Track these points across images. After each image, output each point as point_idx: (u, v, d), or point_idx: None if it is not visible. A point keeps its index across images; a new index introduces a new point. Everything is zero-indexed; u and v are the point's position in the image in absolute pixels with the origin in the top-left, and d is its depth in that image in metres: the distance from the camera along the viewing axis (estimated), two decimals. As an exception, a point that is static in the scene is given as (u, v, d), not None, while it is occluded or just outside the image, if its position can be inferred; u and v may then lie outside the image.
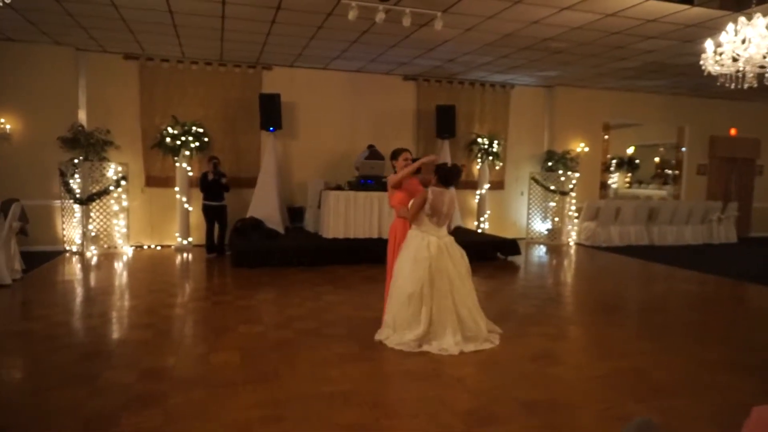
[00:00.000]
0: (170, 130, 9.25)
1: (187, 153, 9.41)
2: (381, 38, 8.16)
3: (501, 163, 11.57)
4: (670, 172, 16.45)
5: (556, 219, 11.73)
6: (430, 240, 4.69)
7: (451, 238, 4.90)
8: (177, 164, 9.48)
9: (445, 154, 10.71)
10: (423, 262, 4.62)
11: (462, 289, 4.72)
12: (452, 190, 4.89)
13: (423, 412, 3.46)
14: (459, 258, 4.81)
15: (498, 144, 11.19)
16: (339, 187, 9.28)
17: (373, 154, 9.73)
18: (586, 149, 11.97)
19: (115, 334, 5.09)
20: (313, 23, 7.46)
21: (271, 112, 9.47)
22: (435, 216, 4.71)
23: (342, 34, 7.94)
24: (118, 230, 9.35)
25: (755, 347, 5.13)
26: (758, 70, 4.93)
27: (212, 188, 8.94)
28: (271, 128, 9.52)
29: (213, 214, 9.03)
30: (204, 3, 6.67)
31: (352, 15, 6.46)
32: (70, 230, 9.16)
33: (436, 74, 10.88)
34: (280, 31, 7.84)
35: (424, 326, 4.60)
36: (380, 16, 6.49)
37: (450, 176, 4.81)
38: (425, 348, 4.58)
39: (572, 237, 11.73)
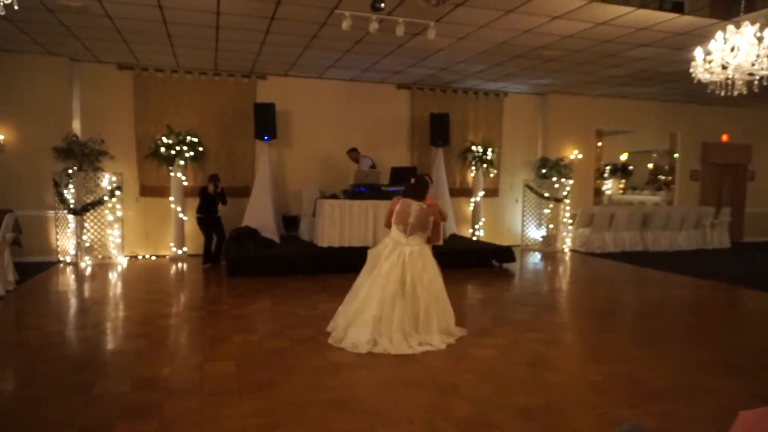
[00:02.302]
0: (165, 139, 9.25)
1: (182, 162, 9.41)
2: (375, 47, 8.21)
3: (495, 171, 11.62)
4: (663, 177, 16.57)
5: (551, 226, 11.78)
6: (388, 243, 5.06)
7: (419, 248, 5.03)
8: (171, 174, 9.48)
9: (440, 162, 10.77)
10: (372, 262, 5.02)
11: (407, 299, 4.87)
12: (428, 200, 5.17)
13: (419, 419, 3.47)
14: (418, 269, 4.94)
15: (492, 152, 11.23)
16: (334, 196, 9.30)
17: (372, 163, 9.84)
18: (580, 156, 12.05)
19: (110, 345, 5.07)
20: (307, 33, 7.51)
21: (265, 121, 9.50)
22: (401, 224, 5.04)
23: (336, 43, 7.98)
24: (112, 240, 9.32)
25: (749, 351, 5.16)
26: (747, 78, 5.00)
27: (212, 202, 8.96)
28: (266, 137, 9.54)
29: (209, 226, 9.04)
30: (198, 13, 6.70)
31: (345, 25, 6.50)
32: (64, 241, 9.12)
33: (429, 82, 10.95)
34: (274, 41, 7.89)
35: (369, 328, 4.79)
36: (374, 26, 6.54)
37: (415, 191, 5.16)
38: (377, 350, 4.70)
39: (567, 243, 11.76)
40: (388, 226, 5.23)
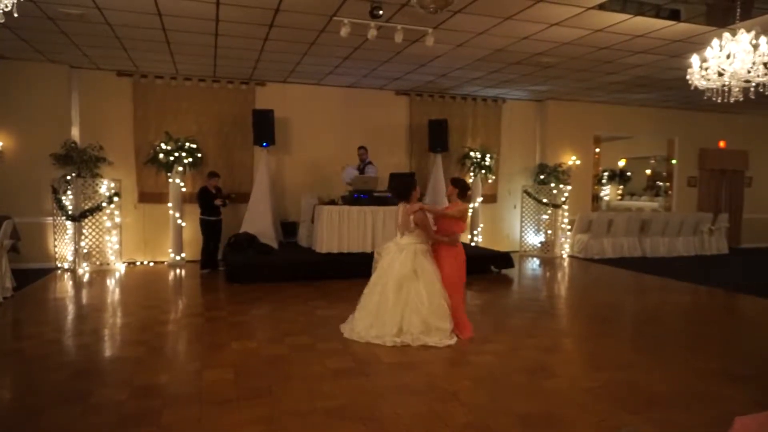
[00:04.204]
0: (163, 146, 9.27)
1: (180, 169, 9.42)
2: (373, 54, 8.24)
3: (493, 177, 11.66)
4: (661, 184, 16.61)
5: (549, 232, 11.79)
6: (388, 244, 5.57)
7: (405, 245, 5.32)
8: (170, 180, 9.48)
9: (438, 168, 10.79)
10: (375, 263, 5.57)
11: (395, 293, 5.17)
12: (409, 202, 5.43)
13: (419, 426, 3.46)
14: (396, 266, 5.27)
15: (490, 157, 11.27)
16: (332, 202, 9.30)
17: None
18: (578, 162, 12.08)
19: (108, 352, 5.06)
20: (306, 40, 7.54)
21: (264, 128, 9.51)
22: (396, 226, 5.57)
23: (335, 50, 8.01)
24: (110, 247, 9.30)
25: (748, 357, 5.17)
26: (743, 84, 5.03)
27: (212, 204, 8.99)
28: (265, 144, 9.56)
29: (211, 230, 9.04)
30: (198, 21, 6.72)
31: (344, 32, 6.53)
32: (62, 247, 9.10)
33: (428, 89, 10.98)
34: (273, 47, 7.91)
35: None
36: (372, 33, 6.57)
37: (396, 192, 5.62)
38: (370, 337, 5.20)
39: (565, 249, 11.77)
40: None
